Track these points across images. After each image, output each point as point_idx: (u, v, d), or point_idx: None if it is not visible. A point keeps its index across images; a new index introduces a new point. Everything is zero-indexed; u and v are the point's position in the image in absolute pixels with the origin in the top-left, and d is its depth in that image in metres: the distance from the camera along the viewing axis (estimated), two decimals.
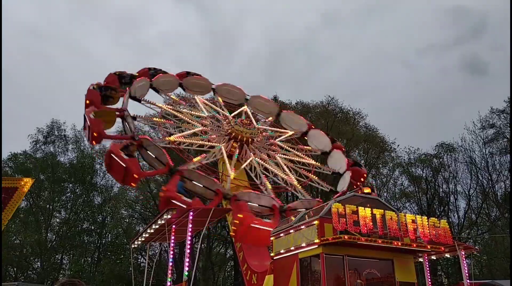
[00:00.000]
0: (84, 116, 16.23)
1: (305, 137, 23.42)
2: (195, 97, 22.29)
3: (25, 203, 40.92)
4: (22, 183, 12.21)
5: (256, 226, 13.62)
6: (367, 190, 12.31)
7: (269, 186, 18.63)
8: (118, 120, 18.05)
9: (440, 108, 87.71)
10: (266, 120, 23.83)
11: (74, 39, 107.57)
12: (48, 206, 43.03)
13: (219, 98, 23.38)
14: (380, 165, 41.71)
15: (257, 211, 15.48)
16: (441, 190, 40.28)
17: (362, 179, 20.94)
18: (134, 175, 14.40)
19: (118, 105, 18.93)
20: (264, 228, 13.64)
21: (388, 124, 78.72)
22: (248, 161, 18.72)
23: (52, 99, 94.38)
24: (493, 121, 37.62)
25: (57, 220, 44.33)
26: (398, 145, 41.07)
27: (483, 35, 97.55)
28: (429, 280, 15.70)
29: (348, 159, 22.15)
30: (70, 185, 44.86)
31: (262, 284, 13.23)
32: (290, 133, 22.86)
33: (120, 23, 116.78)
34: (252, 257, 15.25)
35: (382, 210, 10.54)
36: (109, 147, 15.09)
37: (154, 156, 15.89)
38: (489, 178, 37.40)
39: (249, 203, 15.19)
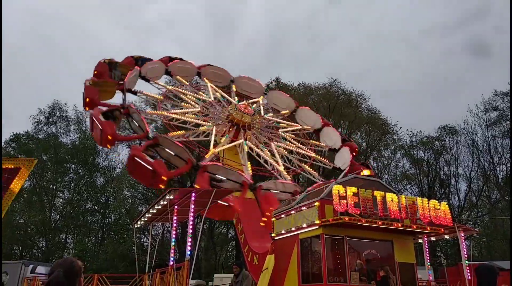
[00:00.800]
0: (92, 118, 16.01)
1: (294, 114, 23.60)
2: (208, 84, 22.06)
3: (29, 183, 41.35)
4: (25, 163, 12.25)
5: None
6: (367, 172, 12.36)
7: (282, 168, 18.58)
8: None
9: (444, 91, 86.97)
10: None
11: (74, 19, 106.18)
12: (51, 186, 43.49)
13: (205, 79, 23.12)
14: (382, 148, 41.74)
15: (281, 198, 15.43)
16: (442, 172, 40.42)
17: (354, 153, 21.63)
18: (163, 177, 14.18)
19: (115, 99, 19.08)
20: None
21: (390, 106, 78.41)
22: (235, 143, 18.55)
23: (53, 79, 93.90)
24: (497, 103, 37.44)
25: (61, 200, 44.86)
26: (400, 128, 41.04)
27: (487, 17, 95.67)
28: (428, 261, 15.93)
29: (340, 133, 22.66)
30: (73, 166, 45.22)
31: (263, 264, 13.44)
32: (283, 112, 22.87)
33: (120, 2, 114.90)
34: (253, 239, 15.52)
35: (383, 192, 10.59)
36: (130, 151, 15.01)
37: (173, 154, 15.69)
38: (491, 160, 37.47)
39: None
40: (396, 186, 41.04)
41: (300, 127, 22.58)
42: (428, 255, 15.89)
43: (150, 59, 21.01)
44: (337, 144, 22.10)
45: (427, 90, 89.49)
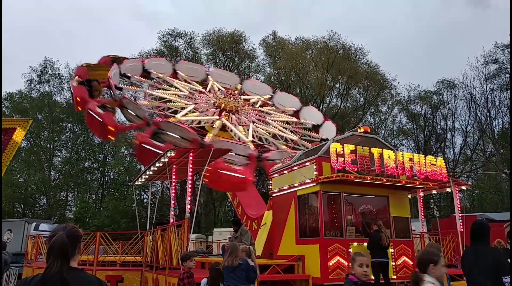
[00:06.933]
0: (70, 88, 16.72)
1: (272, 101, 24.01)
2: (168, 78, 21.77)
3: (26, 142, 41.36)
4: (21, 123, 12.13)
5: (225, 172, 14.08)
6: (365, 129, 12.32)
7: (248, 140, 18.82)
8: None
9: (444, 43, 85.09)
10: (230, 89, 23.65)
11: None
12: (48, 145, 43.57)
13: (212, 80, 23.09)
14: (380, 103, 41.57)
15: (231, 160, 15.86)
16: (439, 127, 40.62)
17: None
18: (110, 128, 15.05)
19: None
20: (234, 174, 14.12)
21: (389, 61, 76.75)
22: (251, 128, 18.91)
23: (43, 38, 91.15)
24: (497, 56, 36.87)
25: (59, 159, 45.14)
26: (399, 82, 40.63)
27: None
28: (422, 213, 16.37)
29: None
30: (69, 124, 45.06)
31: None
32: (282, 109, 22.95)
33: None
34: (250, 209, 16.25)
35: (380, 149, 10.63)
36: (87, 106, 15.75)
37: (134, 114, 16.55)
38: (488, 114, 37.51)
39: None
40: (393, 141, 41.36)
41: (281, 109, 22.96)
42: (422, 208, 16.31)
43: (125, 58, 21.18)
44: (319, 120, 22.96)
45: (427, 43, 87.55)
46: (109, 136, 15.71)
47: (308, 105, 26.03)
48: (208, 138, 16.44)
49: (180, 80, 21.70)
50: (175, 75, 22.14)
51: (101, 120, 14.85)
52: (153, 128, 15.43)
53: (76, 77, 17.74)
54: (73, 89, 16.68)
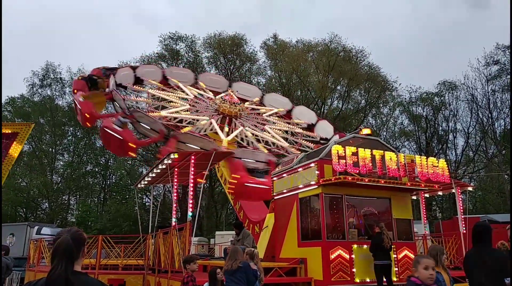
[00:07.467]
0: (74, 101, 16.52)
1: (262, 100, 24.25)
2: (179, 83, 21.97)
3: (28, 146, 41.49)
4: (23, 128, 12.14)
5: (251, 184, 14.21)
6: (366, 131, 12.32)
7: (264, 149, 18.95)
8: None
9: (444, 45, 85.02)
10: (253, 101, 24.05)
11: None
12: (50, 149, 43.67)
13: (202, 84, 23.27)
14: (381, 105, 41.55)
15: (253, 167, 15.99)
16: (440, 128, 40.56)
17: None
18: (130, 144, 15.08)
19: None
20: (259, 186, 14.21)
21: (389, 62, 76.79)
22: (238, 130, 19.01)
23: (44, 41, 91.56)
24: (498, 57, 36.82)
25: (61, 163, 45.22)
26: (400, 84, 40.62)
27: None
28: (425, 215, 16.34)
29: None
30: (71, 128, 45.16)
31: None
32: (275, 110, 22.99)
33: None
34: (251, 213, 16.32)
35: (382, 151, 10.61)
36: (102, 123, 15.70)
37: (148, 127, 16.53)
38: (489, 115, 37.44)
39: (244, 159, 15.73)
40: (394, 143, 41.31)
41: (273, 110, 23.00)
42: (424, 210, 16.28)
43: (115, 68, 21.33)
44: (313, 119, 23.00)
45: (427, 45, 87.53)
46: (129, 152, 15.72)
47: (299, 105, 26.13)
48: (223, 146, 16.48)
49: (173, 87, 21.80)
50: (165, 81, 22.12)
51: (120, 137, 14.75)
52: (121, 114, 15.86)
53: (80, 92, 17.39)
54: (80, 105, 16.37)
